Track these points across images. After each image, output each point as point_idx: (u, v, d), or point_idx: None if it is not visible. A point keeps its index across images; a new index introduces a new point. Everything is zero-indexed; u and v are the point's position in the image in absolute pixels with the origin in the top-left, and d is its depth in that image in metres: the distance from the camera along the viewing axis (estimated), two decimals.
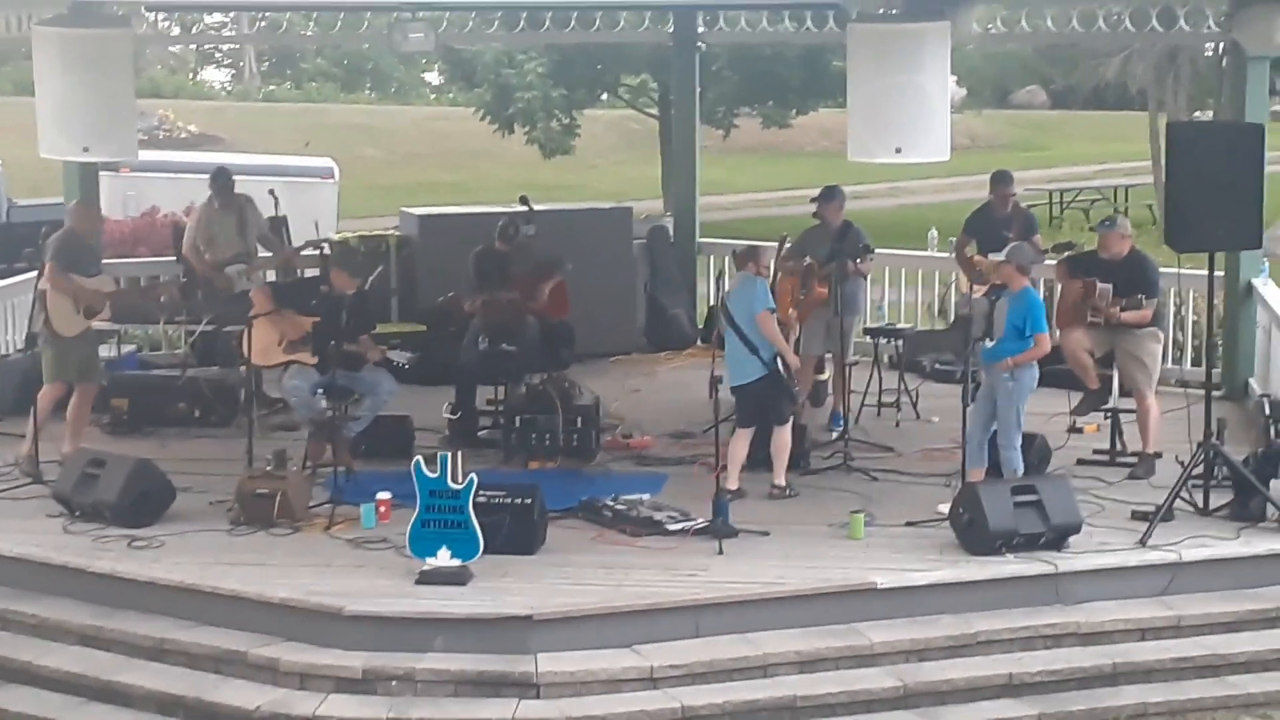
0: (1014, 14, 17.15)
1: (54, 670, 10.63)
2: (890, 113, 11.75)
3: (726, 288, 12.57)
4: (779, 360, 12.59)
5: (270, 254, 15.78)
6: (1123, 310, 13.07)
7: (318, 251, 14.99)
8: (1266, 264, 15.88)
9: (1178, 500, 11.95)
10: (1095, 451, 13.65)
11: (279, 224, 15.87)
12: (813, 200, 15.03)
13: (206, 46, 61.68)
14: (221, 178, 15.62)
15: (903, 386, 15.27)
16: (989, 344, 12.09)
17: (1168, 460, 12.95)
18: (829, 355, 14.89)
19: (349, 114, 52.47)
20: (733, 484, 12.45)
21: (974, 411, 12.13)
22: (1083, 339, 13.29)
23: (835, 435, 14.02)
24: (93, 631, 10.88)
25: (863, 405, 15.00)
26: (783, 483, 12.67)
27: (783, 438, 12.71)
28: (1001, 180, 15.43)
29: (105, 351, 15.47)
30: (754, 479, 12.67)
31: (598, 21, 18.57)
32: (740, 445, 12.64)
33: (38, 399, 13.26)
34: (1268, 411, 13.20)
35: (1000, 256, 12.42)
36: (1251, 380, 15.51)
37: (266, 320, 13.13)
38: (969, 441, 12.13)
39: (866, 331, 15.94)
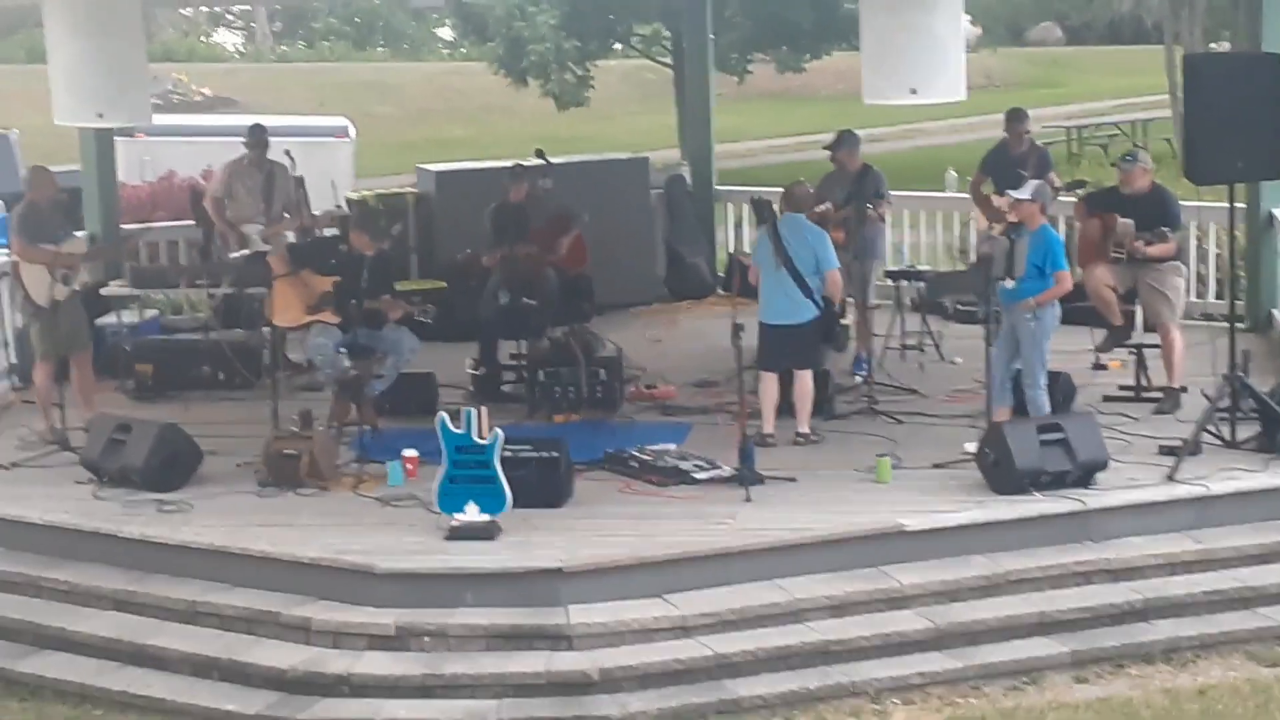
0: None
1: (88, 635, 10.67)
2: (904, 54, 11.69)
3: (765, 228, 12.48)
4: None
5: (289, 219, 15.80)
6: (1146, 244, 13.03)
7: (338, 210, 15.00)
8: None
9: (1204, 434, 11.93)
10: (1120, 387, 13.63)
11: (297, 184, 15.87)
12: (826, 147, 14.99)
13: (217, 8, 61.50)
14: (257, 134, 15.65)
15: (925, 328, 15.25)
16: (1009, 284, 12.06)
17: (1193, 394, 12.93)
18: (850, 300, 14.86)
19: (362, 72, 52.38)
20: (769, 427, 12.44)
21: (996, 351, 12.10)
22: (1105, 275, 13.26)
23: (859, 379, 14.01)
24: (125, 596, 10.92)
25: (885, 349, 14.98)
26: (807, 429, 12.66)
27: (806, 384, 12.70)
28: (1016, 118, 15.36)
29: (128, 317, 15.52)
30: (778, 426, 12.67)
31: None
32: (772, 388, 12.61)
33: (33, 377, 13.30)
34: None
35: (1017, 193, 12.37)
36: (1275, 311, 15.45)
37: (286, 282, 13.15)
38: (992, 381, 12.11)
39: (887, 274, 15.90)
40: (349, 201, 17.75)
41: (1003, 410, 12.14)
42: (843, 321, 15.10)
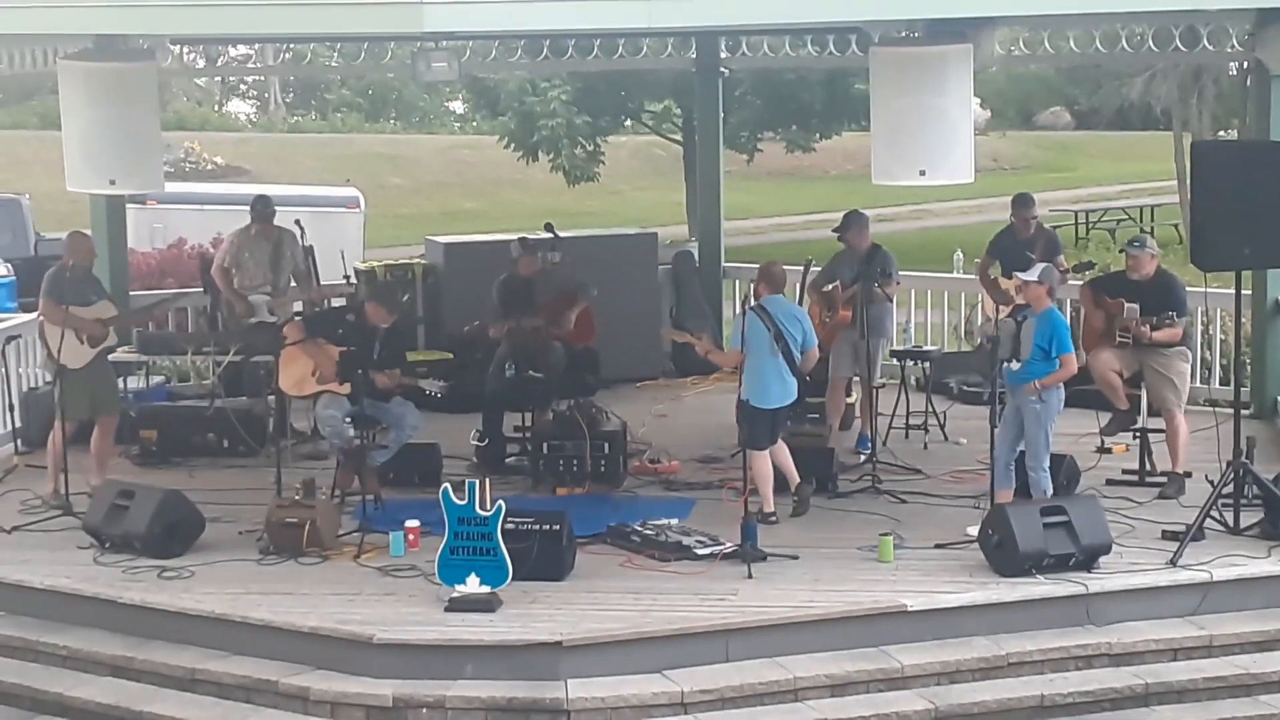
0: (1036, 35, 17.15)
1: (85, 701, 10.64)
2: (914, 135, 11.74)
3: (754, 312, 12.48)
4: None
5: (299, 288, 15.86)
6: (1153, 329, 13.06)
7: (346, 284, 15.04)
8: None
9: (1208, 519, 11.91)
10: (1124, 471, 13.62)
11: (306, 253, 15.92)
12: (834, 230, 15.02)
13: (231, 79, 61.86)
14: (262, 205, 15.71)
15: (930, 408, 15.26)
16: (1015, 365, 12.08)
17: (1197, 479, 12.91)
18: (856, 378, 14.88)
19: (374, 144, 52.62)
20: (770, 506, 12.44)
21: (1001, 433, 12.10)
22: (1111, 359, 13.27)
23: (863, 458, 14.00)
24: (123, 662, 10.90)
25: (890, 427, 14.98)
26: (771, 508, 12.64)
27: (785, 451, 12.78)
28: (1022, 203, 15.41)
29: (134, 383, 15.53)
30: (783, 504, 12.67)
31: (621, 49, 18.61)
32: (769, 466, 12.60)
33: (50, 436, 13.32)
34: None
35: (1025, 275, 12.41)
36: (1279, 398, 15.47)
37: (299, 350, 13.17)
38: (996, 463, 12.11)
39: (893, 354, 15.93)
40: (357, 272, 17.80)
41: (1005, 492, 12.13)
42: (848, 400, 15.17)
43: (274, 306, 15.30)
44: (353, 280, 17.45)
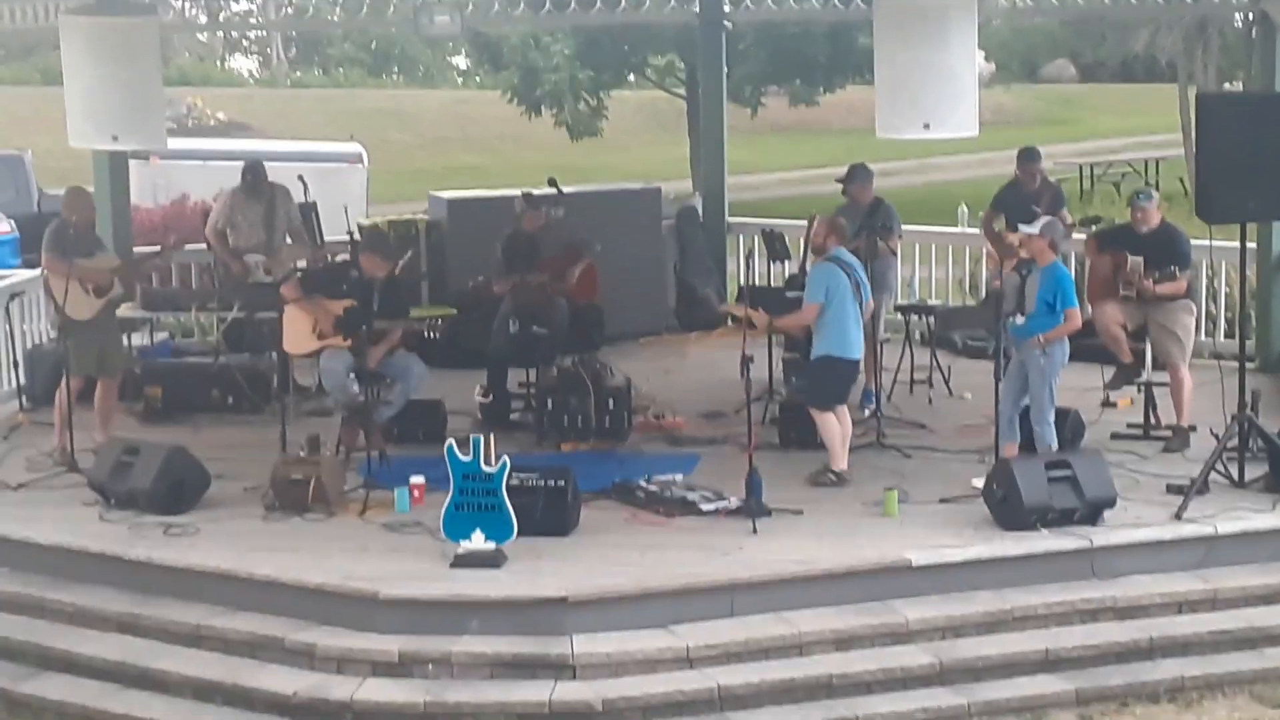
0: None
1: (91, 658, 10.66)
2: (918, 89, 11.71)
3: (829, 264, 12.35)
4: None
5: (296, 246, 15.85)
6: (1156, 283, 13.03)
7: (350, 240, 15.01)
8: None
9: (1212, 473, 11.92)
10: (1129, 425, 13.62)
11: (308, 210, 15.90)
12: (838, 180, 15.01)
13: (233, 34, 61.73)
14: (251, 174, 15.66)
15: (935, 363, 15.25)
16: (1020, 320, 12.07)
17: (1202, 433, 12.90)
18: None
19: (376, 99, 52.53)
20: (842, 463, 12.42)
21: (1005, 387, 12.10)
22: (1115, 313, 13.26)
23: (868, 413, 14.00)
24: (129, 619, 10.91)
25: (895, 382, 14.98)
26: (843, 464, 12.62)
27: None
28: (1028, 157, 15.37)
29: (138, 340, 15.53)
30: (789, 459, 12.68)
31: (624, 2, 18.54)
32: (843, 422, 12.53)
33: (57, 392, 13.32)
34: None
35: (1028, 228, 12.39)
36: None
37: (297, 308, 13.16)
38: (1000, 417, 12.11)
39: (897, 309, 15.92)
40: (360, 228, 17.77)
41: (1010, 446, 12.14)
42: None
43: (269, 265, 15.28)
44: (356, 237, 17.42)
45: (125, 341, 15.07)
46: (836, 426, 12.43)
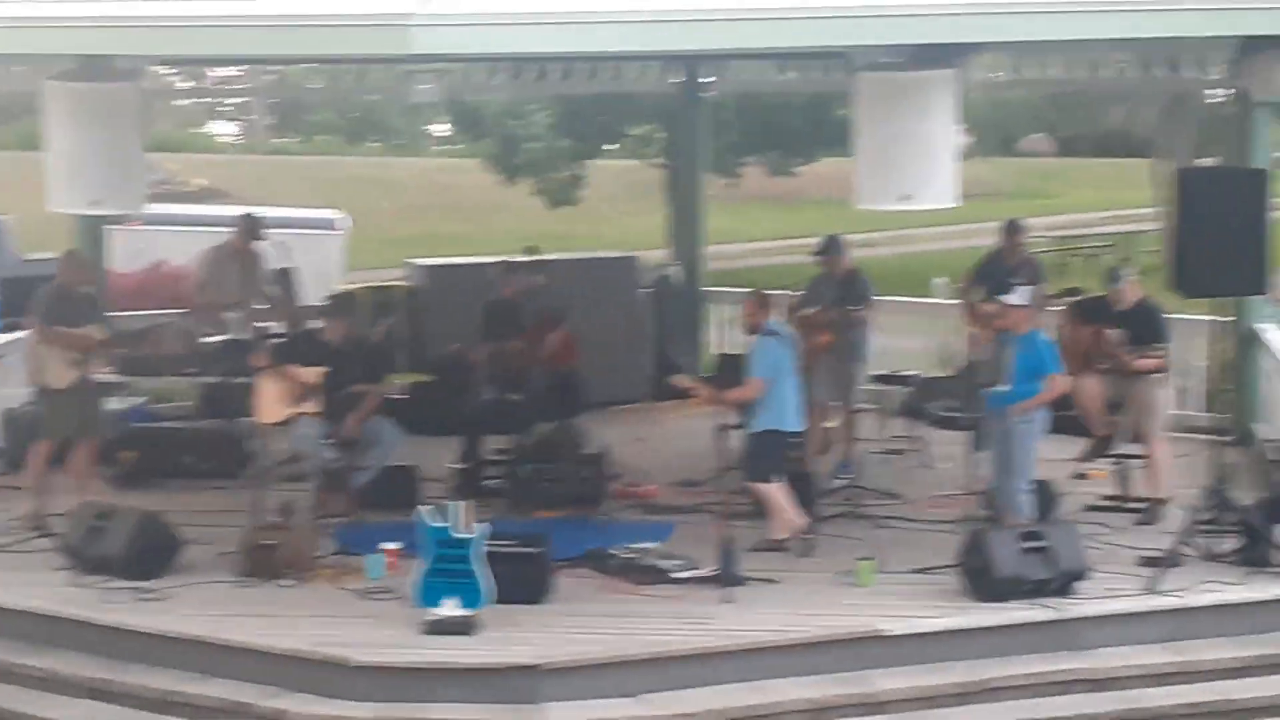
0: (1020, 61, 17.18)
1: None
2: (897, 160, 11.76)
3: (772, 340, 12.40)
4: None
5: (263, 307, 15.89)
6: (1136, 358, 13.08)
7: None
8: (1275, 307, 15.86)
9: (1186, 546, 11.93)
10: (1103, 497, 13.64)
11: (287, 275, 15.92)
12: (814, 252, 15.04)
13: (214, 100, 61.77)
14: (246, 222, 15.74)
15: (910, 433, 15.25)
16: (997, 389, 12.11)
17: (1176, 506, 12.92)
18: (836, 403, 14.88)
19: (356, 166, 52.55)
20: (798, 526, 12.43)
21: (994, 459, 12.16)
22: (1092, 385, 13.30)
23: (843, 483, 14.00)
24: (100, 684, 10.86)
25: (869, 452, 14.99)
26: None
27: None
28: (1013, 229, 15.49)
29: (113, 404, 15.49)
30: (764, 528, 12.68)
31: (604, 72, 18.61)
32: (783, 492, 12.57)
33: (28, 456, 13.27)
34: (1274, 456, 13.17)
35: (1009, 298, 12.43)
36: (1258, 425, 15.49)
37: (269, 377, 13.15)
38: (998, 491, 12.16)
39: (873, 378, 15.94)
40: (335, 295, 17.76)
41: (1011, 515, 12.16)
42: (827, 425, 15.18)
43: (245, 322, 15.30)
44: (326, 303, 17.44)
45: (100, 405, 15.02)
46: (779, 495, 12.44)
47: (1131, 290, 13.36)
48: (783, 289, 14.72)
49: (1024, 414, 12.01)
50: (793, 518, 12.37)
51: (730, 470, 12.42)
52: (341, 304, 14.53)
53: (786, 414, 12.37)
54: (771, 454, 12.44)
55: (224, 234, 16.09)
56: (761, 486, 12.42)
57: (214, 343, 15.14)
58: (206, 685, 10.62)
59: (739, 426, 13.25)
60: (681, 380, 13.52)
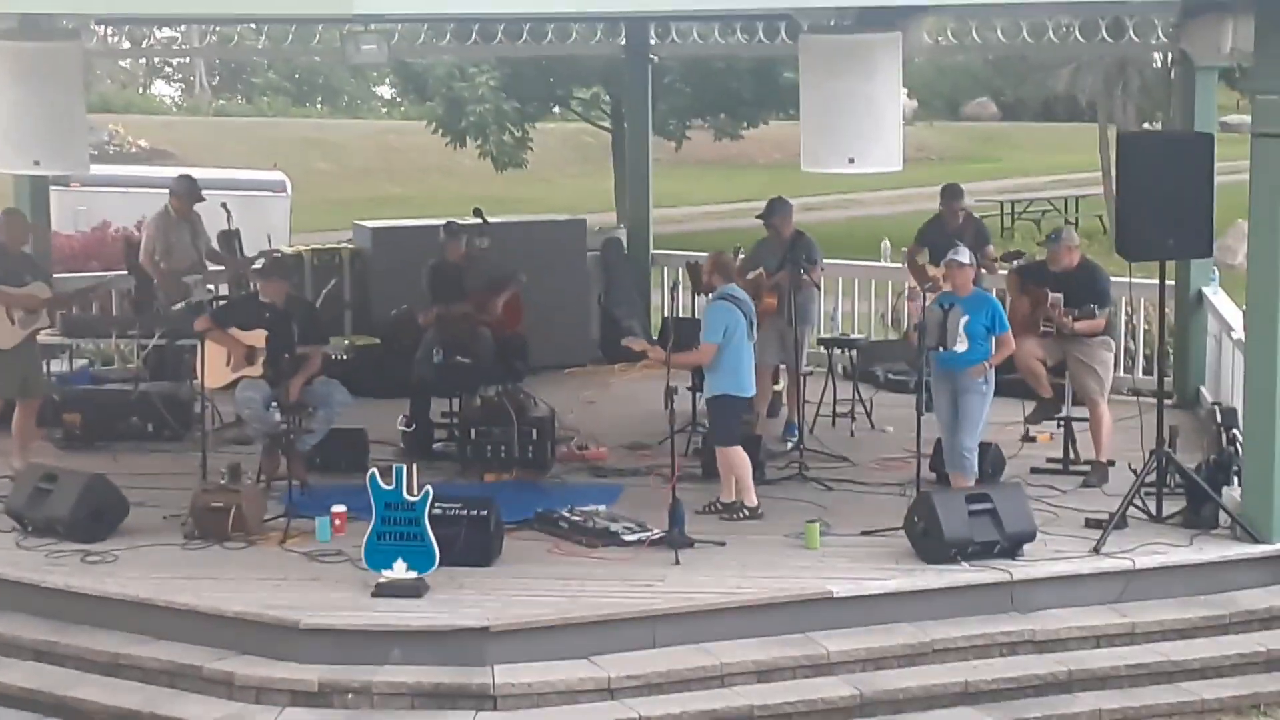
0: (964, 25, 17.22)
1: (7, 686, 10.56)
2: (842, 123, 11.74)
3: (726, 303, 12.38)
4: None
5: (218, 267, 15.83)
6: (1075, 320, 13.14)
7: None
8: (1217, 273, 15.97)
9: (1131, 508, 12.01)
10: (1049, 460, 13.72)
11: (231, 237, 15.85)
12: (759, 216, 15.06)
13: (156, 61, 61.33)
14: (187, 185, 15.67)
15: (857, 396, 15.31)
16: (943, 351, 12.17)
17: (1120, 468, 13.01)
18: (783, 365, 14.93)
19: (301, 128, 52.30)
20: (753, 499, 12.42)
21: (942, 420, 12.26)
22: (1035, 348, 13.35)
23: (790, 445, 14.04)
24: (46, 647, 10.82)
25: (817, 415, 15.05)
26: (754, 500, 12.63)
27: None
28: (951, 194, 15.53)
29: (58, 366, 15.41)
30: (712, 491, 12.71)
31: (550, 34, 18.56)
32: (746, 456, 12.57)
33: None
34: (1219, 419, 13.27)
35: (957, 255, 12.47)
36: (1202, 388, 15.61)
37: (211, 339, 13.09)
38: (945, 450, 12.26)
39: (820, 342, 15.99)
40: (283, 256, 17.69)
41: (959, 476, 12.22)
42: (775, 388, 15.22)
43: (203, 284, 15.26)
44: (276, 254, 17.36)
45: (45, 368, 14.95)
46: (746, 461, 12.46)
47: (1067, 255, 13.40)
48: (730, 252, 14.71)
49: (982, 374, 12.08)
50: (752, 495, 12.38)
51: (680, 432, 12.42)
52: (276, 264, 14.44)
53: (741, 378, 12.37)
54: (731, 419, 12.45)
55: (167, 195, 15.96)
56: (729, 450, 12.42)
57: (180, 307, 15.03)
58: (154, 648, 10.58)
59: (690, 389, 13.33)
60: (634, 342, 13.54)
